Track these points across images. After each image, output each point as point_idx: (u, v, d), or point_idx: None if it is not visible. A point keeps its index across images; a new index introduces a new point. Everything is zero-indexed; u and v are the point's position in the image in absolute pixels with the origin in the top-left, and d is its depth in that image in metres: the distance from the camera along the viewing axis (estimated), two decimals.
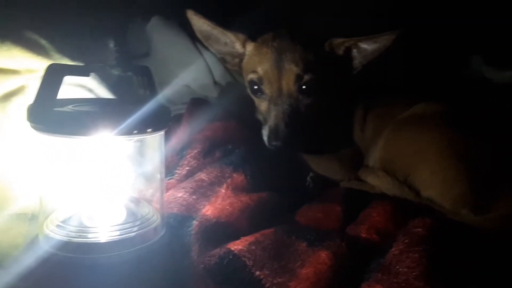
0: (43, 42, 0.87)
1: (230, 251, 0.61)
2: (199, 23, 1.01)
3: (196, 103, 1.09)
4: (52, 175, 0.60)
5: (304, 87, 0.94)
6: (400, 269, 0.58)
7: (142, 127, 0.54)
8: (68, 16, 1.11)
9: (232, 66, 1.08)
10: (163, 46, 1.38)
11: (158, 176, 0.64)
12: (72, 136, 0.53)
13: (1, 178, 0.71)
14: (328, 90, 0.99)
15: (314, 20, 1.36)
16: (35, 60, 0.81)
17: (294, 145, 0.94)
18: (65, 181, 0.61)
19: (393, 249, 0.62)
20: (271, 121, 0.94)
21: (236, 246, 0.62)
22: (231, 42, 1.03)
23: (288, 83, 0.93)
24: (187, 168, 0.84)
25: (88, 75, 0.60)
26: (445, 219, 0.78)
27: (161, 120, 0.58)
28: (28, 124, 0.53)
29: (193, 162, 0.85)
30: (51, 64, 0.56)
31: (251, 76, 0.97)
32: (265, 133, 0.95)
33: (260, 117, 1.01)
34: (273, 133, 0.92)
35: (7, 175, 0.72)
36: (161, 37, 1.39)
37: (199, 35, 1.04)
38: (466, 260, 0.63)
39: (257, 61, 0.97)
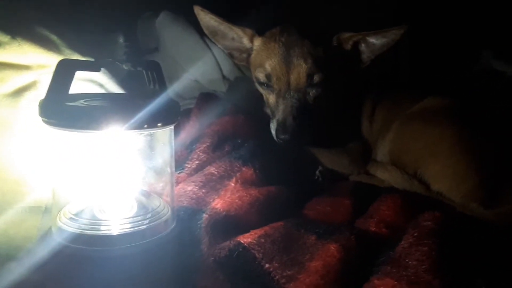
0: (54, 37, 0.87)
1: (239, 243, 0.61)
2: (206, 19, 1.01)
3: (205, 98, 1.09)
4: (65, 169, 0.61)
5: (312, 81, 0.93)
6: (410, 262, 0.58)
7: (152, 121, 0.55)
8: (78, 11, 1.12)
9: (240, 61, 1.08)
10: (172, 41, 1.38)
11: (168, 169, 0.64)
12: (84, 131, 0.54)
13: (14, 172, 0.72)
14: (336, 84, 0.99)
15: (321, 14, 1.36)
16: (46, 55, 0.82)
17: (302, 138, 0.94)
18: (77, 175, 0.61)
19: (402, 242, 0.62)
20: (279, 115, 0.94)
21: (246, 239, 0.62)
22: (239, 37, 1.03)
23: (296, 77, 0.93)
24: (197, 162, 0.85)
25: (99, 70, 0.61)
26: (455, 213, 0.78)
27: (171, 115, 0.59)
28: (40, 118, 0.54)
29: (202, 156, 0.86)
30: (63, 59, 0.56)
31: (259, 71, 0.97)
32: (273, 126, 0.95)
33: (268, 111, 1.01)
34: (281, 126, 0.92)
35: (20, 169, 0.73)
36: (170, 32, 1.39)
37: (206, 31, 1.04)
38: (475, 254, 0.63)
39: (265, 56, 0.97)
